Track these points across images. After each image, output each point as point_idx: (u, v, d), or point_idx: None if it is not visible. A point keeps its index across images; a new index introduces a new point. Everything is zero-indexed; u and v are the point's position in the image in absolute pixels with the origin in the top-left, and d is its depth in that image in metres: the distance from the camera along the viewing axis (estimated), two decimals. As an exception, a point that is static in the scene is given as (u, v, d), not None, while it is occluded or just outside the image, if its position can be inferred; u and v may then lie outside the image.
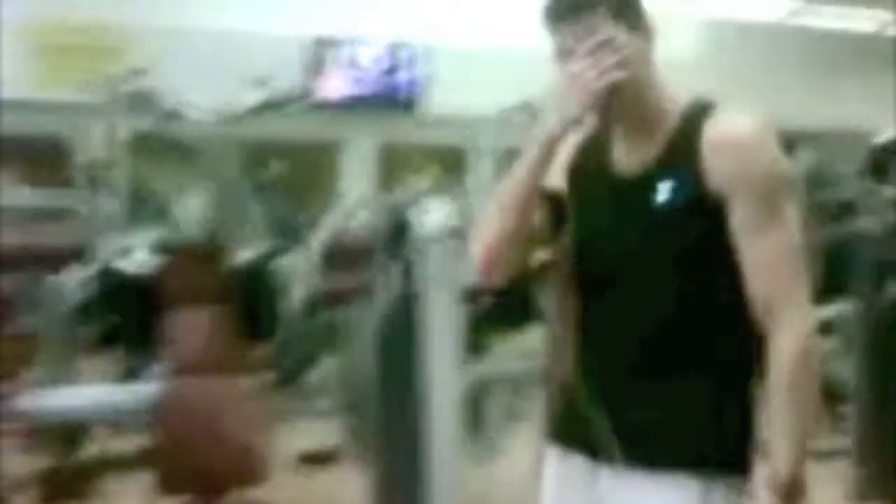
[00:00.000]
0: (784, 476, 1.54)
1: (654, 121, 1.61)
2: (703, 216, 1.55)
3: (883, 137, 5.54)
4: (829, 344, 4.74)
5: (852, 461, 4.53)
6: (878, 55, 8.70)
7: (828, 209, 5.13)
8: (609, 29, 1.54)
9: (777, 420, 1.55)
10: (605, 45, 1.53)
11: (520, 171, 1.62)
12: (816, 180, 5.35)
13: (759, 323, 1.56)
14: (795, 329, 1.53)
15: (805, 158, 5.48)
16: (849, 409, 4.57)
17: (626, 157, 1.64)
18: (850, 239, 4.57)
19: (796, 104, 8.20)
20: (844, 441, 4.61)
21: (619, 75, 1.53)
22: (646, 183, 1.60)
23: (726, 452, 1.59)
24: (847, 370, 4.47)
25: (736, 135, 1.55)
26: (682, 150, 1.57)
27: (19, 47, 7.39)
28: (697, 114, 1.60)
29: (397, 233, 3.60)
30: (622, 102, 1.57)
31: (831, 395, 4.40)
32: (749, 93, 6.12)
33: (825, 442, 4.26)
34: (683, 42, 8.76)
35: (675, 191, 1.57)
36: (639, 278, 1.63)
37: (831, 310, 4.49)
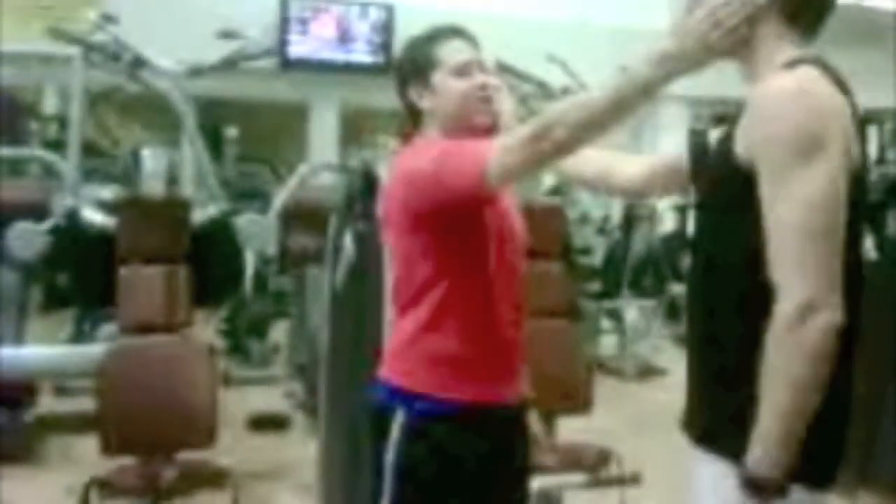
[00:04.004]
0: (748, 466, 1.41)
1: (754, 79, 1.54)
2: (736, 183, 1.45)
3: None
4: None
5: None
6: (850, 28, 8.70)
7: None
8: None
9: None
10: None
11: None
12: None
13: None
14: (776, 315, 1.38)
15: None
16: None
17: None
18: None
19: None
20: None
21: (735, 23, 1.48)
22: (718, 144, 1.56)
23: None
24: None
25: (757, 97, 1.46)
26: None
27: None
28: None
29: (367, 189, 3.53)
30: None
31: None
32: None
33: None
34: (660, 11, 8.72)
35: (722, 155, 1.51)
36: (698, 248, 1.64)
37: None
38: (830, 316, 1.37)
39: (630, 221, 6.95)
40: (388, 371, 1.95)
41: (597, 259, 7.04)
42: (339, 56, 8.60)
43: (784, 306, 1.37)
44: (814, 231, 1.38)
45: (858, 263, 1.52)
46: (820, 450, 1.46)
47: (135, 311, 3.51)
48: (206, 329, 5.66)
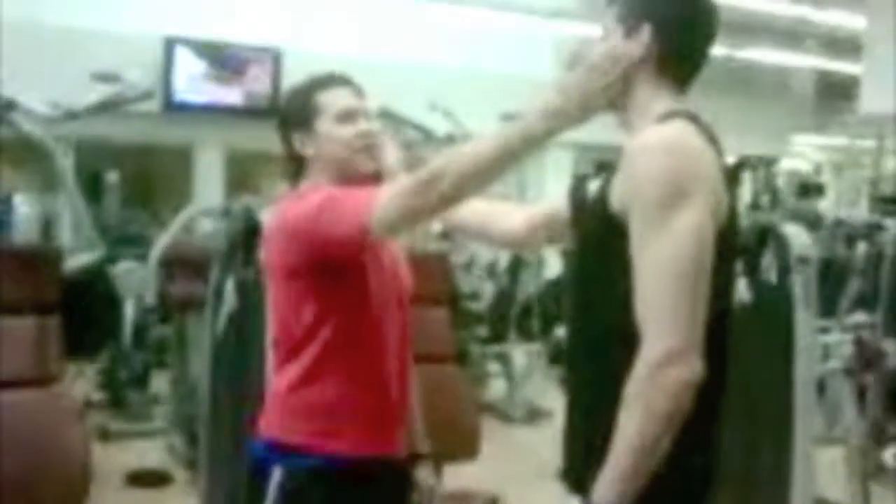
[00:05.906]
0: (593, 498, 1.43)
1: (631, 130, 1.58)
2: (610, 233, 1.49)
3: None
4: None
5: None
6: (724, 78, 9.09)
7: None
8: (612, 28, 1.59)
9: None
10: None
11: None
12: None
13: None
14: (640, 361, 1.40)
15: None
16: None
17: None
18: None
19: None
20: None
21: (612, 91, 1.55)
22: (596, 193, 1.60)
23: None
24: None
25: (631, 150, 1.49)
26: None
27: None
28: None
29: (249, 235, 3.46)
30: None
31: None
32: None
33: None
34: (543, 59, 8.96)
35: (598, 204, 1.55)
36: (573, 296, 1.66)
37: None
38: (690, 368, 1.40)
39: (516, 266, 7.02)
40: (266, 425, 1.89)
41: (484, 304, 7.08)
42: (224, 99, 8.49)
43: (647, 354, 1.40)
44: (679, 280, 1.41)
45: (725, 312, 1.55)
46: (687, 490, 1.52)
47: (1, 366, 3.34)
48: (83, 381, 5.43)
